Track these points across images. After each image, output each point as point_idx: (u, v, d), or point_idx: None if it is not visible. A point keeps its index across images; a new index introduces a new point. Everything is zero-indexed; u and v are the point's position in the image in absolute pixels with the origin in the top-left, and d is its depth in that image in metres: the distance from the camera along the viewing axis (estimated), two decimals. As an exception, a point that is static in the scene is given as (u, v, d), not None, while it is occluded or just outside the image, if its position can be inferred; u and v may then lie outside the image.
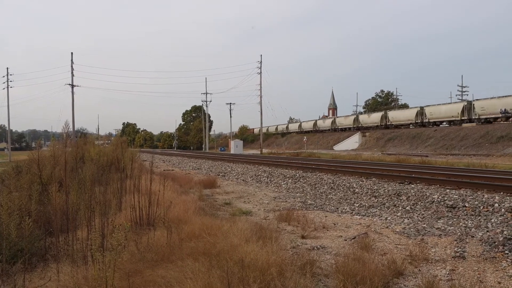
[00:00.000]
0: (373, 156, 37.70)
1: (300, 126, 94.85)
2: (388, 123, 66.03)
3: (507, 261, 6.14)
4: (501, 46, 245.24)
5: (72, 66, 58.89)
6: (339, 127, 79.12)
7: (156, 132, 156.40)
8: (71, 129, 53.50)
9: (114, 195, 9.38)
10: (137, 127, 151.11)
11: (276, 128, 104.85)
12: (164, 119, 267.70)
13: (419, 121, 59.41)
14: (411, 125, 61.81)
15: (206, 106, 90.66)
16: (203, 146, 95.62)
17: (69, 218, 6.57)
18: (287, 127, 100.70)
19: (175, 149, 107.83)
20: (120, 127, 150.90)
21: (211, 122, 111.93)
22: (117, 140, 21.45)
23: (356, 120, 74.49)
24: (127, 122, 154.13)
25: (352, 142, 67.86)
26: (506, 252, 6.53)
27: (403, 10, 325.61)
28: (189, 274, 4.53)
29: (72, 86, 58.93)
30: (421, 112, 59.10)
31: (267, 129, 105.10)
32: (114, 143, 19.77)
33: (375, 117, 70.09)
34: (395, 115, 65.62)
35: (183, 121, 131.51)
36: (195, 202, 10.53)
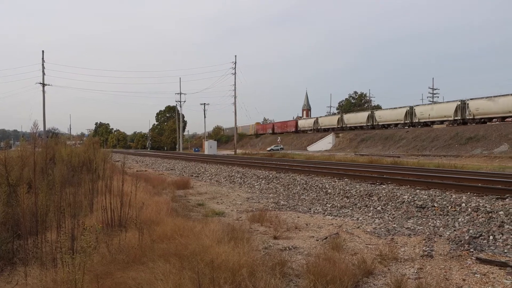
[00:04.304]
0: (346, 157, 38.15)
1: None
2: (375, 123, 63.92)
3: (471, 259, 6.32)
4: (471, 49, 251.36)
5: (43, 64, 57.91)
6: (322, 127, 76.60)
7: (129, 132, 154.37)
8: (42, 129, 52.51)
9: (86, 196, 9.26)
10: (110, 127, 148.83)
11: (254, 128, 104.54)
12: (137, 119, 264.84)
13: (408, 121, 57.21)
14: (399, 125, 59.53)
15: (180, 107, 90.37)
16: (177, 146, 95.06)
17: (38, 220, 6.46)
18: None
19: (148, 149, 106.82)
20: (93, 127, 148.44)
21: (185, 123, 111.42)
22: (89, 141, 21.15)
23: (340, 120, 72.13)
24: (100, 122, 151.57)
25: (325, 143, 68.26)
26: (471, 250, 6.72)
27: (376, 13, 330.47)
28: (160, 276, 4.52)
29: (43, 85, 57.91)
30: (410, 112, 56.87)
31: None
32: (86, 143, 19.50)
33: (361, 117, 68.01)
34: (382, 115, 63.40)
35: (156, 121, 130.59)
36: (167, 203, 10.47)
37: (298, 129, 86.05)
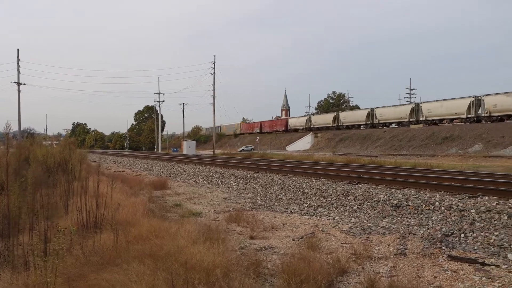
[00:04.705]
0: (325, 157, 38.42)
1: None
2: (375, 122, 60.30)
3: (443, 256, 6.46)
4: (447, 50, 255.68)
5: (18, 63, 56.82)
6: (316, 126, 72.72)
7: (107, 132, 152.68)
8: (17, 129, 51.58)
9: (61, 197, 9.15)
10: (88, 128, 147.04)
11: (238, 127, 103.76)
12: (115, 119, 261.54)
13: (413, 119, 53.65)
14: (404, 123, 55.73)
15: (159, 106, 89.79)
16: (155, 146, 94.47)
17: (10, 222, 6.36)
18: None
19: (126, 149, 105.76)
20: (70, 127, 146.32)
21: (163, 123, 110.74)
22: (66, 141, 20.87)
23: (336, 118, 68.37)
24: (77, 122, 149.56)
25: (304, 143, 68.42)
26: (443, 248, 6.88)
27: (376, 13, 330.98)
28: (134, 277, 4.50)
29: (19, 84, 56.85)
30: (416, 109, 53.42)
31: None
32: (62, 144, 19.24)
33: (359, 115, 64.47)
34: (384, 113, 59.28)
35: (135, 121, 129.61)
36: (144, 204, 10.41)
37: (289, 128, 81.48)
